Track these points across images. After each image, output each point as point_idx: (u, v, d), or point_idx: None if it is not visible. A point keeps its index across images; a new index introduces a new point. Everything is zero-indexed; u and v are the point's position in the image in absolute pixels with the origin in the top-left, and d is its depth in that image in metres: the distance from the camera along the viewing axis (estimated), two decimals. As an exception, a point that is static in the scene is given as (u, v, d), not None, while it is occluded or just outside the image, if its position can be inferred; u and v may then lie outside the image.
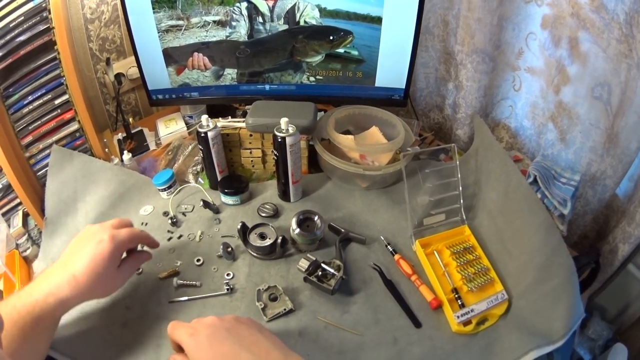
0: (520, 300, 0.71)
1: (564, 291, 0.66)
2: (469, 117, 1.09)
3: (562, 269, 0.68)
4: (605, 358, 0.93)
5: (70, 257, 0.60)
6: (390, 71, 0.96)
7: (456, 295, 0.72)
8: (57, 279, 0.57)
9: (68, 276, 0.57)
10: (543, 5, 0.91)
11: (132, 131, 1.09)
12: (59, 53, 0.85)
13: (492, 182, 0.86)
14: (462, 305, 0.71)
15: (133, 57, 0.96)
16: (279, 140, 0.79)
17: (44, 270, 0.60)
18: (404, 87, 0.98)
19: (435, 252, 0.79)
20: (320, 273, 0.72)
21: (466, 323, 0.69)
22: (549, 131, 1.01)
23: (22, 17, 0.82)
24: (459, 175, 0.85)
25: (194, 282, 0.73)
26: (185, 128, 1.11)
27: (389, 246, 0.81)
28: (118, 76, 1.10)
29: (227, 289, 0.72)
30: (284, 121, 0.79)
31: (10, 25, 0.82)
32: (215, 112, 1.12)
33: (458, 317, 0.68)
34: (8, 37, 0.82)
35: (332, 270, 0.72)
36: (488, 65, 1.01)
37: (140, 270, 0.75)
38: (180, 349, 0.53)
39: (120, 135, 1.09)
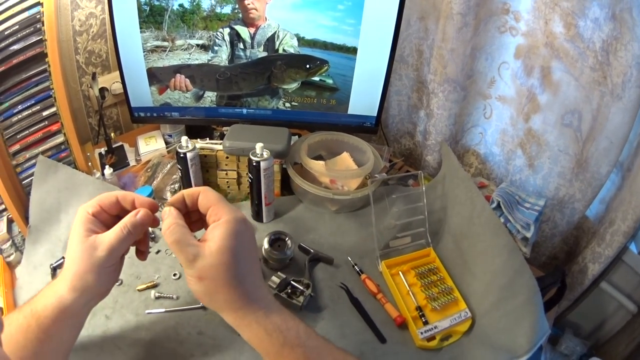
0: (483, 319, 0.79)
1: (527, 309, 0.72)
2: (439, 144, 1.15)
3: (524, 288, 0.74)
4: (580, 372, 1.00)
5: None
6: (363, 100, 1.04)
7: (420, 313, 0.79)
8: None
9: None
10: (518, 35, 0.98)
11: (113, 146, 1.13)
12: (49, 66, 0.90)
13: (457, 207, 0.92)
14: (426, 322, 0.78)
15: (117, 72, 1.01)
16: (254, 164, 0.86)
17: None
18: (375, 115, 1.06)
19: (400, 273, 0.86)
20: (289, 290, 0.80)
21: (430, 339, 0.76)
22: (518, 157, 1.08)
23: (17, 26, 0.85)
24: (425, 201, 0.92)
25: (171, 295, 0.79)
26: (165, 146, 1.16)
27: (355, 266, 0.88)
28: (102, 90, 1.14)
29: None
30: (259, 146, 0.86)
31: (5, 33, 0.85)
32: (193, 132, 1.16)
33: (422, 333, 0.76)
34: (2, 44, 0.85)
35: (301, 288, 0.80)
36: (459, 94, 1.08)
37: (120, 281, 0.81)
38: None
39: (102, 149, 1.13)
